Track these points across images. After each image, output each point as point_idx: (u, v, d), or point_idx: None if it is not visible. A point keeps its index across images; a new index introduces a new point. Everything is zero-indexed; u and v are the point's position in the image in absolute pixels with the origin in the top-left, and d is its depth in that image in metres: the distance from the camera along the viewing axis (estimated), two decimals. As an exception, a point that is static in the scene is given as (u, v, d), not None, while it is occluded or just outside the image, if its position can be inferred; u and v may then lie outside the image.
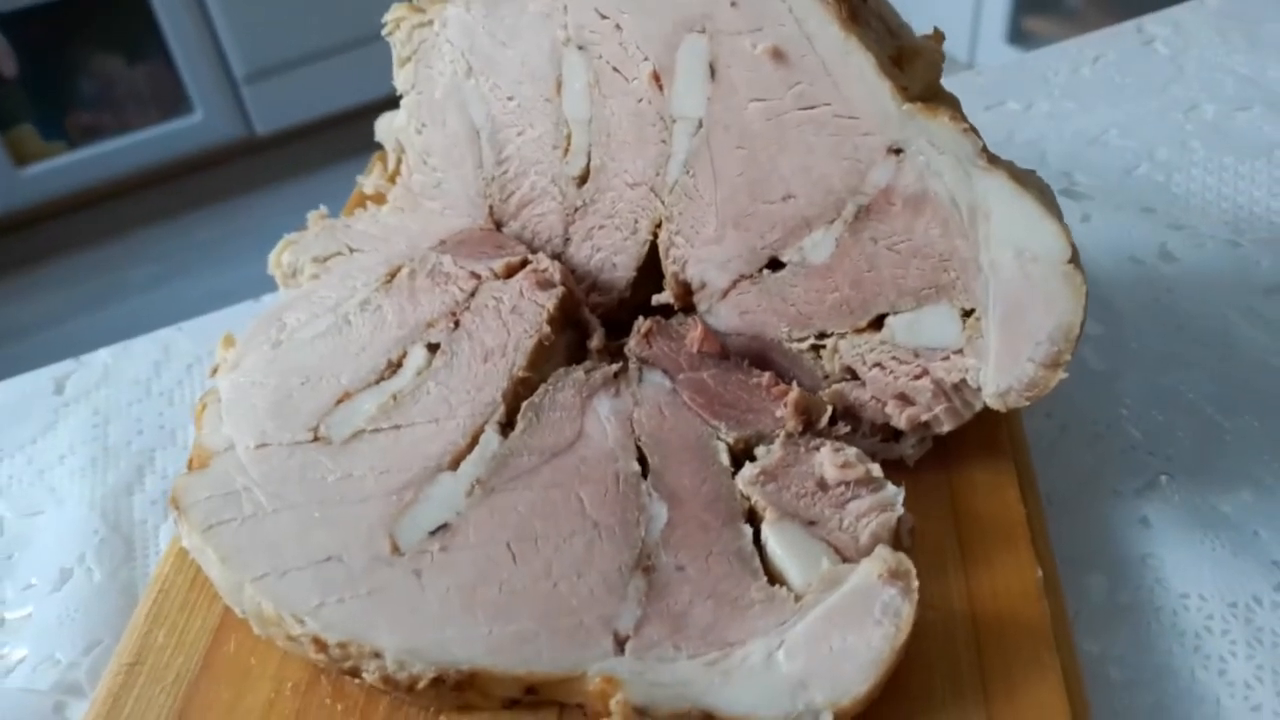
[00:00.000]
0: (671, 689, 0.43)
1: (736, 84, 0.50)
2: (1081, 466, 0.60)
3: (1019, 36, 2.22)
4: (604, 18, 0.53)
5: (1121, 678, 0.50)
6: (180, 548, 0.54)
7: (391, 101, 0.67)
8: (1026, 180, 0.46)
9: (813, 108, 0.48)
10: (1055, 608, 0.48)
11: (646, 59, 0.53)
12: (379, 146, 0.72)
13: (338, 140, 2.31)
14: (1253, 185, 0.80)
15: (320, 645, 0.44)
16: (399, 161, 0.69)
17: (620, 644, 0.44)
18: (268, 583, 0.46)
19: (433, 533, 0.48)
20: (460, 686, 0.44)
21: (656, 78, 0.53)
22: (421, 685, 0.43)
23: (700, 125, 0.52)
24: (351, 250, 0.65)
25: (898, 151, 0.47)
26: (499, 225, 0.65)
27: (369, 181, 0.72)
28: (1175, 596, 0.53)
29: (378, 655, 0.44)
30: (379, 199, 0.72)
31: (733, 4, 0.48)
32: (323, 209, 0.70)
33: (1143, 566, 0.55)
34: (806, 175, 0.50)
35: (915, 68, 0.47)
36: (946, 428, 0.52)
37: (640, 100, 0.54)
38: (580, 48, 0.55)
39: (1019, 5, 2.21)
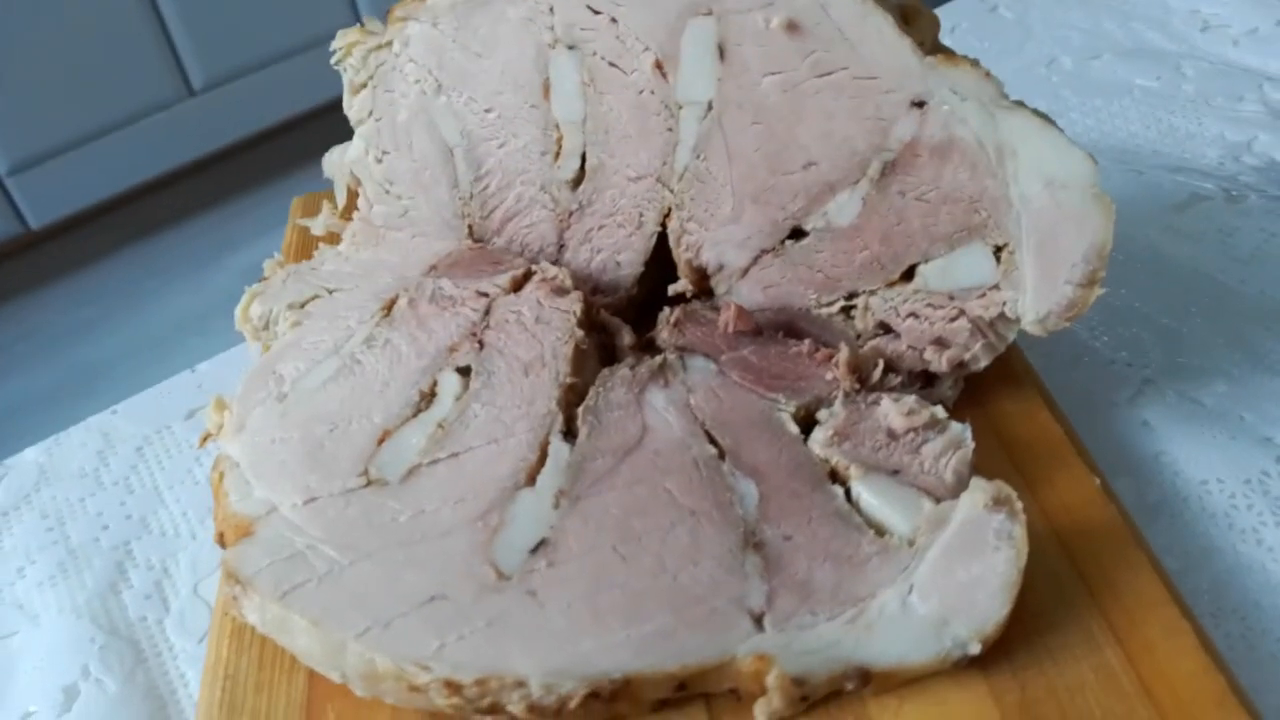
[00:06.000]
0: (822, 653, 0.43)
1: (749, 61, 0.51)
2: (1076, 387, 0.64)
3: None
4: (597, 13, 0.53)
5: (1176, 566, 0.54)
6: (235, 628, 0.49)
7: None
8: (1043, 116, 0.49)
9: (830, 73, 0.50)
10: (1119, 508, 0.52)
11: (647, 49, 0.53)
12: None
13: (121, 224, 2.13)
14: (1127, 122, 0.88)
15: (454, 688, 0.42)
16: (352, 196, 0.66)
17: (758, 621, 0.44)
18: (373, 636, 0.43)
19: (533, 551, 0.46)
20: (615, 697, 0.42)
21: (659, 66, 0.53)
22: (573, 705, 0.42)
23: (710, 108, 0.53)
24: (330, 292, 0.61)
25: (920, 104, 0.49)
26: (480, 243, 0.63)
27: (317, 222, 0.68)
28: (1196, 484, 0.58)
29: (521, 684, 0.42)
30: (332, 239, 0.68)
31: (742, -18, 0.49)
32: (277, 256, 0.66)
33: (1158, 464, 0.59)
34: (828, 140, 0.51)
35: (920, 24, 0.50)
36: (983, 363, 0.55)
37: (641, 91, 0.54)
38: (570, 47, 0.55)
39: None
